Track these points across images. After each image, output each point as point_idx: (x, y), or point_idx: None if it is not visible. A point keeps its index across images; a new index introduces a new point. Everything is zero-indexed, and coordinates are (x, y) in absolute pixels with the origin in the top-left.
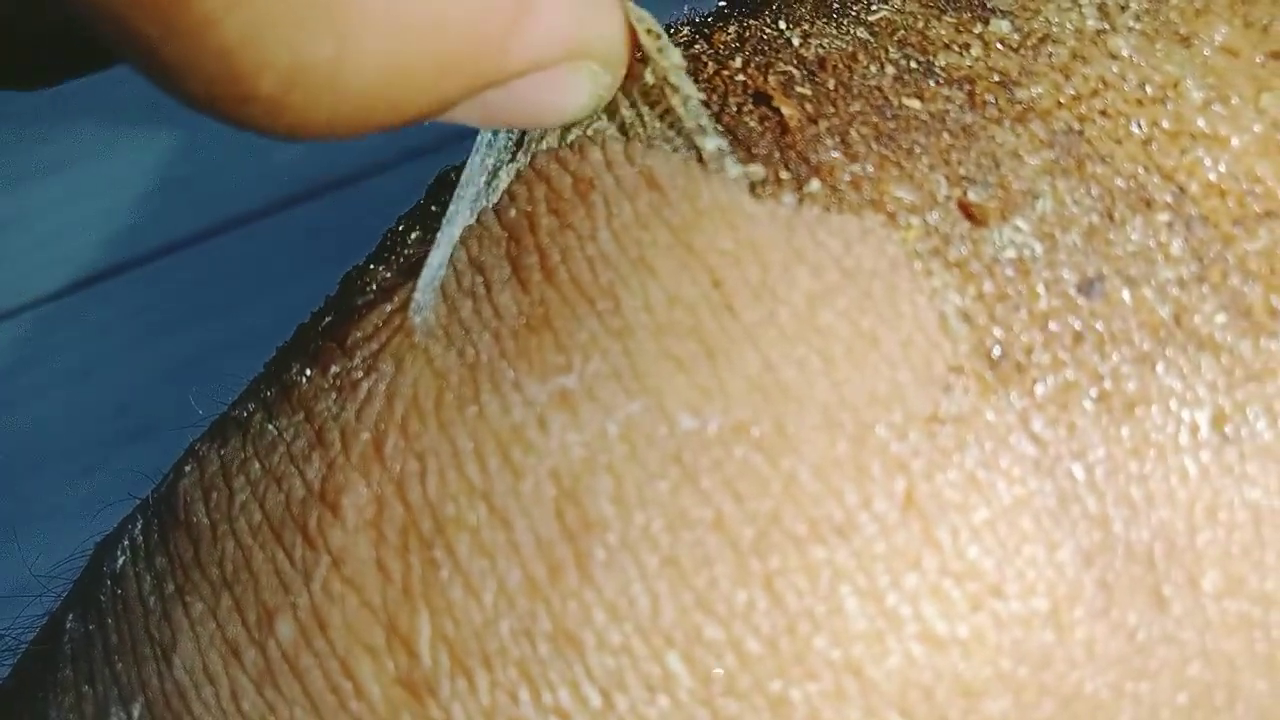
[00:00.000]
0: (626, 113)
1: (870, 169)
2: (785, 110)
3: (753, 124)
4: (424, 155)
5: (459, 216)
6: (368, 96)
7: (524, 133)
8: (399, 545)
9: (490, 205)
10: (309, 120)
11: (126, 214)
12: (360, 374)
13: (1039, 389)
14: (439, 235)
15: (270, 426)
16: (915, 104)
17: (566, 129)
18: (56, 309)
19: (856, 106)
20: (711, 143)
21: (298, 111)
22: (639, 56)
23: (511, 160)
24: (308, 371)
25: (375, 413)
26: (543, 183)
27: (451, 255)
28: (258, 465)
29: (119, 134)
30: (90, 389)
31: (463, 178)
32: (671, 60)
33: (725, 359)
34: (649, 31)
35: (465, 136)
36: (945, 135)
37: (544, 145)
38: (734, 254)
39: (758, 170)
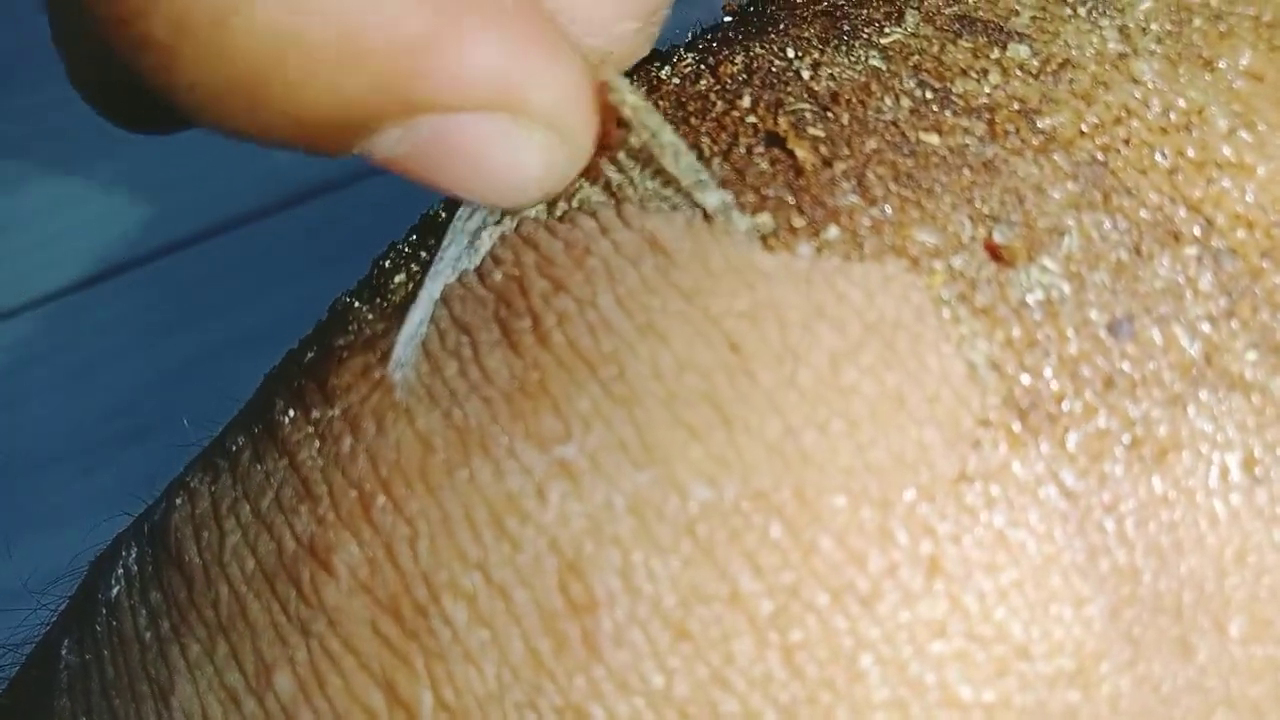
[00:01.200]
0: (614, 175)
1: (890, 212)
2: (799, 152)
3: (764, 166)
4: None
5: (440, 275)
6: (260, 69)
7: None
8: (394, 610)
9: (473, 267)
10: (202, 86)
11: (127, 214)
12: (341, 426)
13: (1070, 439)
14: (420, 291)
15: (258, 468)
16: (934, 139)
17: (552, 202)
18: (56, 309)
19: (873, 144)
20: (714, 197)
21: (189, 70)
22: (619, 122)
23: (497, 223)
24: (290, 412)
25: (360, 471)
26: (531, 249)
27: (434, 313)
28: (248, 508)
29: (119, 134)
30: (90, 389)
31: (445, 238)
32: (652, 124)
33: (743, 425)
34: (626, 94)
35: None
36: (966, 171)
37: (531, 213)
38: (751, 315)
39: (766, 221)
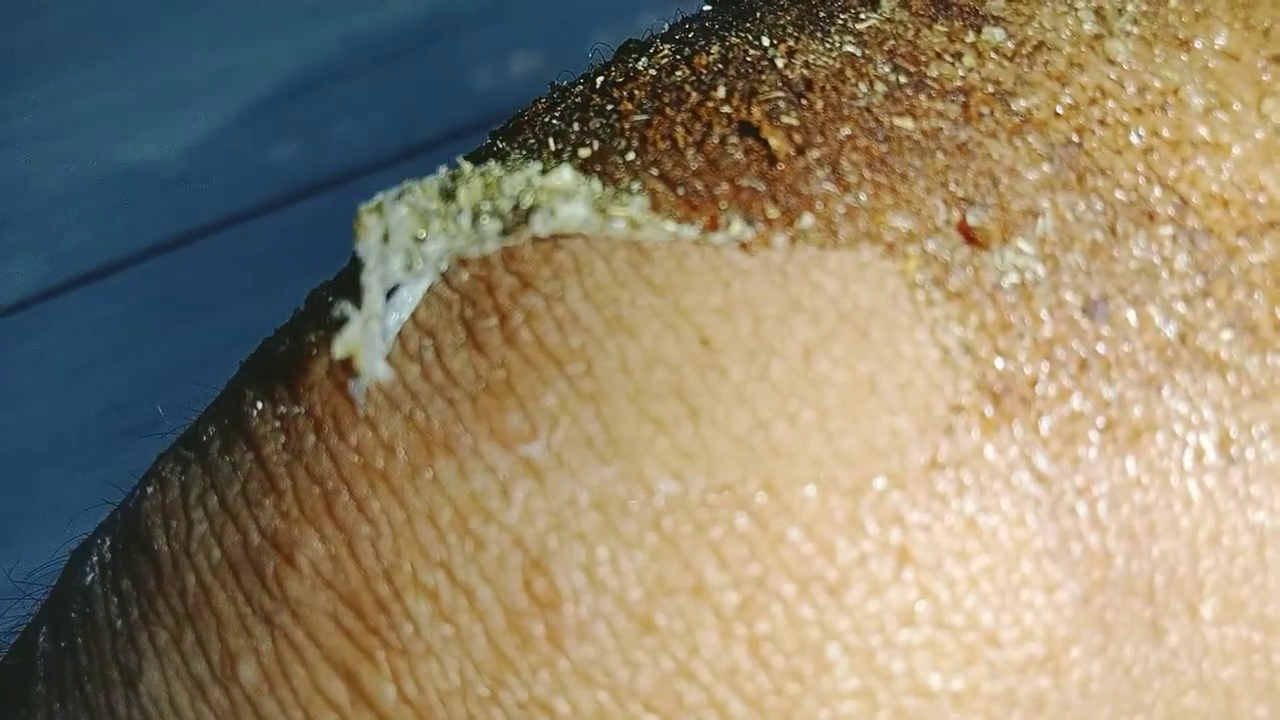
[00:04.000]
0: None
1: (865, 198)
2: (772, 141)
3: (738, 156)
4: (421, 153)
5: (392, 281)
6: None
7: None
8: (356, 605)
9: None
10: None
11: (125, 211)
12: (306, 423)
13: (1044, 423)
14: (371, 297)
15: (226, 460)
16: (908, 123)
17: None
18: (53, 306)
19: (846, 131)
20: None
21: None
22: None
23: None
24: (259, 404)
25: (323, 469)
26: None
27: (396, 317)
28: (215, 499)
29: (114, 131)
30: (87, 387)
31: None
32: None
33: (711, 419)
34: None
35: (460, 135)
36: (940, 155)
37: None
38: (724, 310)
39: (745, 232)
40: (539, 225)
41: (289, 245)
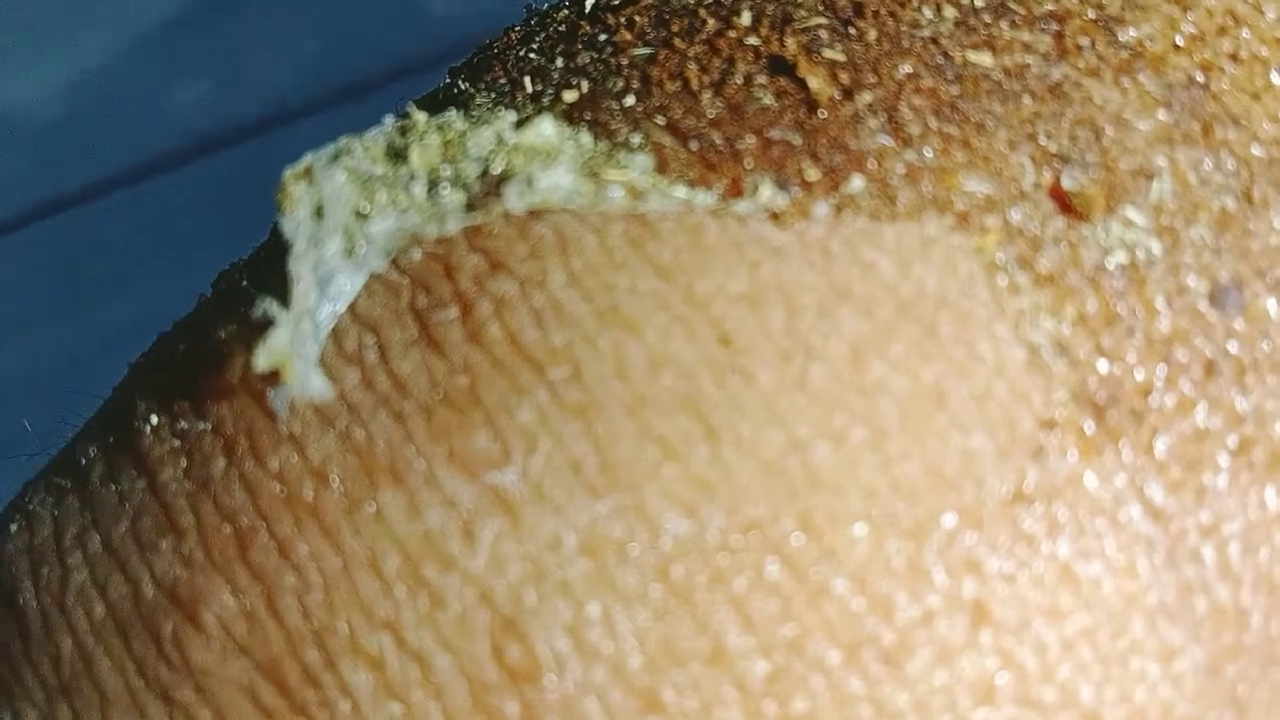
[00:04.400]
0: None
1: (930, 155)
2: (812, 82)
3: (768, 101)
4: (362, 94)
5: (331, 262)
6: None
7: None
8: (278, 677)
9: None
10: None
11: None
12: (214, 443)
13: (1160, 443)
14: (301, 286)
15: (111, 489)
16: (985, 59)
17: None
18: None
19: (907, 68)
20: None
21: None
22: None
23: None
24: (153, 419)
25: (236, 502)
26: None
27: (331, 308)
28: (98, 540)
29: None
30: None
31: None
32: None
33: (734, 439)
34: None
35: (411, 71)
36: (1027, 99)
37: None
38: (750, 298)
39: (777, 199)
40: (513, 199)
41: (196, 209)
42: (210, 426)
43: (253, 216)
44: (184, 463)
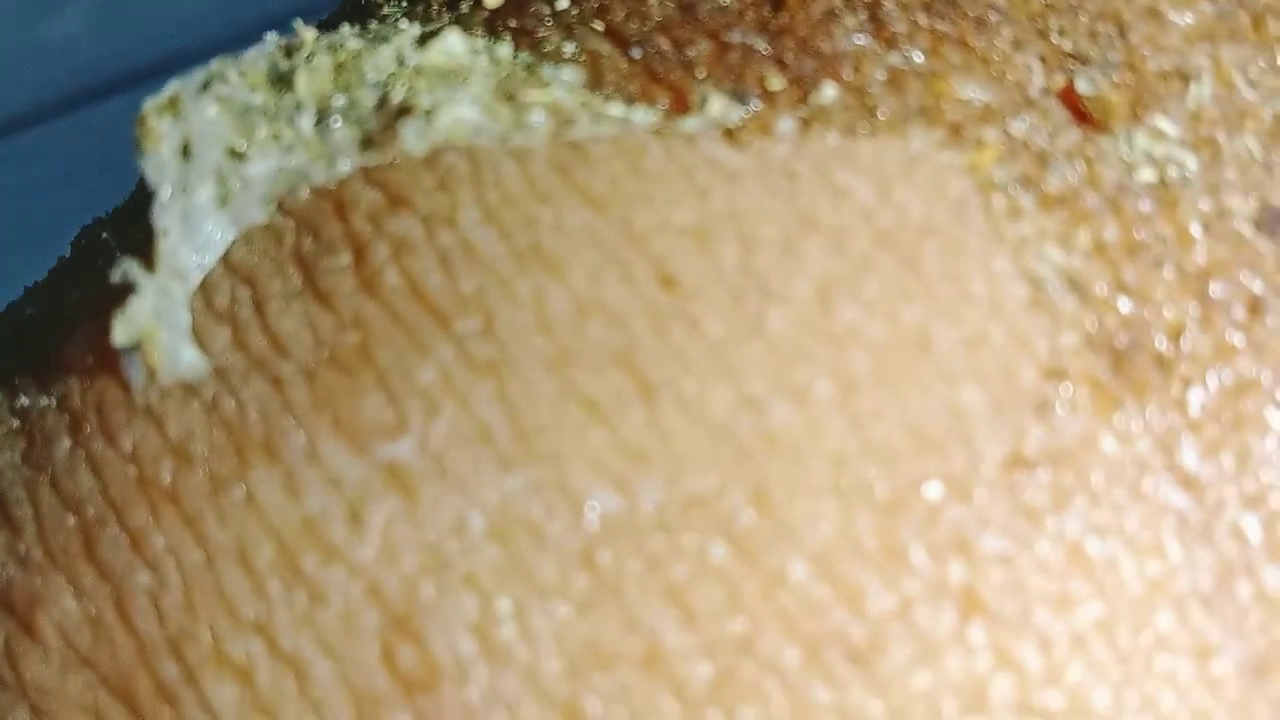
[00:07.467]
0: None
1: (918, 57)
2: None
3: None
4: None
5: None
6: None
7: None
8: (127, 695)
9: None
10: None
11: None
12: (57, 421)
13: (1193, 396)
14: (157, 253)
15: None
16: None
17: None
18: None
19: None
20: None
21: None
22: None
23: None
24: None
25: (81, 490)
26: None
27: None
28: None
29: None
30: None
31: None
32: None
33: (674, 398)
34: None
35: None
36: None
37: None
38: (699, 232)
39: (731, 112)
40: (411, 139)
41: (73, 162)
42: (54, 402)
43: (131, 173)
44: (23, 445)
